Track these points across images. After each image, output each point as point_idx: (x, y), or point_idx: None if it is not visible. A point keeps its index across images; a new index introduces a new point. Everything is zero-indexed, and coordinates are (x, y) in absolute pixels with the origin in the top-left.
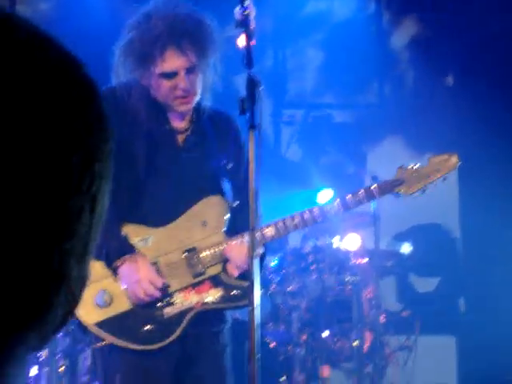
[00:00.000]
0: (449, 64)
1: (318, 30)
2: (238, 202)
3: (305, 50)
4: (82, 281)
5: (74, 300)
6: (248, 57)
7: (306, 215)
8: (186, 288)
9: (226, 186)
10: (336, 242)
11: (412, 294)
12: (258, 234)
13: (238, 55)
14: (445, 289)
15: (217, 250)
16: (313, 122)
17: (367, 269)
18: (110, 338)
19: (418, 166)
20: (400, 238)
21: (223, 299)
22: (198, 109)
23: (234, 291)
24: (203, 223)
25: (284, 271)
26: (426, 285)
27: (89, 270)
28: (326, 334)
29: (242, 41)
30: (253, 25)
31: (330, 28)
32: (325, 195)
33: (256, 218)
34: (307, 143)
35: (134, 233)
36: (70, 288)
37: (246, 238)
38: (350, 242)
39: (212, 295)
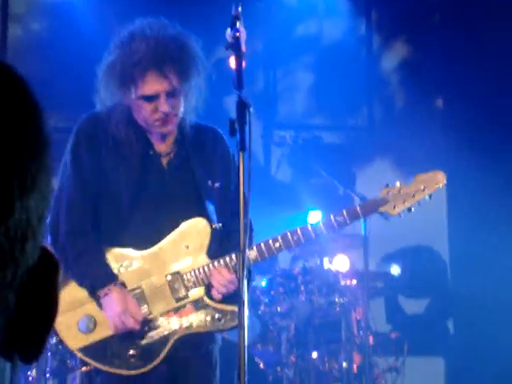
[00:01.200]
0: (438, 87)
1: (309, 52)
2: (220, 224)
3: (295, 72)
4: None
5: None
6: (238, 79)
7: (289, 237)
8: (168, 312)
9: (211, 207)
10: (325, 264)
11: (401, 315)
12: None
13: (229, 76)
14: (433, 310)
15: (199, 273)
16: (303, 144)
17: (356, 290)
18: (94, 364)
19: (402, 185)
20: (389, 259)
21: (206, 323)
22: (181, 131)
23: (217, 315)
24: (186, 246)
25: (273, 292)
26: (414, 306)
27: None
28: (314, 355)
29: (232, 63)
30: (243, 47)
31: (320, 50)
32: (314, 216)
33: (246, 239)
34: (297, 164)
35: (118, 257)
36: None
37: (228, 260)
38: (339, 264)
39: (195, 319)
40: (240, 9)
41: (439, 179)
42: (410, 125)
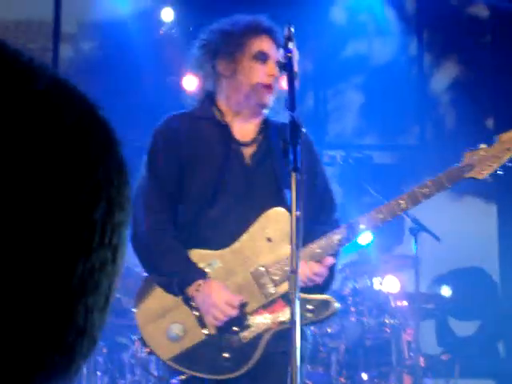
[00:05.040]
0: (489, 107)
1: (359, 71)
2: (299, 212)
3: (345, 92)
4: (102, 327)
5: (94, 345)
6: (291, 99)
7: (373, 216)
8: (258, 309)
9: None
10: (376, 285)
11: (452, 337)
12: (327, 242)
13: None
14: (484, 332)
15: (285, 265)
16: (353, 163)
17: (407, 311)
18: (188, 372)
19: (485, 146)
20: (440, 281)
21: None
22: (265, 121)
23: (308, 306)
24: (268, 239)
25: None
26: (465, 328)
27: (107, 316)
28: (364, 376)
29: (284, 83)
30: (296, 68)
31: (371, 70)
32: (365, 237)
33: (298, 262)
34: (347, 184)
35: (198, 258)
36: (92, 338)
37: (315, 247)
38: (389, 285)
39: (287, 313)
40: (292, 29)
41: None
42: (461, 144)
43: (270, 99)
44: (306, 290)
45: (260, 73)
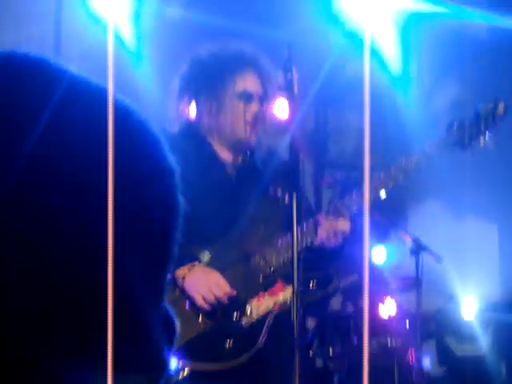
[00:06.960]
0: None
1: (358, 92)
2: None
3: (345, 113)
4: None
5: None
6: (290, 123)
7: None
8: (258, 293)
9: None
10: (377, 306)
11: (453, 357)
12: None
13: None
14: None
15: (281, 246)
16: (354, 183)
17: (409, 333)
18: (192, 365)
19: None
20: (442, 300)
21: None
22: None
23: (309, 284)
24: (259, 227)
25: (323, 334)
26: (466, 348)
27: None
28: None
29: (285, 105)
30: (296, 89)
31: (370, 91)
32: (379, 252)
33: (299, 281)
34: None
35: (188, 252)
36: None
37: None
38: (390, 307)
39: (287, 294)
40: (291, 51)
41: None
42: (460, 165)
43: (252, 137)
44: (315, 259)
45: (243, 112)
